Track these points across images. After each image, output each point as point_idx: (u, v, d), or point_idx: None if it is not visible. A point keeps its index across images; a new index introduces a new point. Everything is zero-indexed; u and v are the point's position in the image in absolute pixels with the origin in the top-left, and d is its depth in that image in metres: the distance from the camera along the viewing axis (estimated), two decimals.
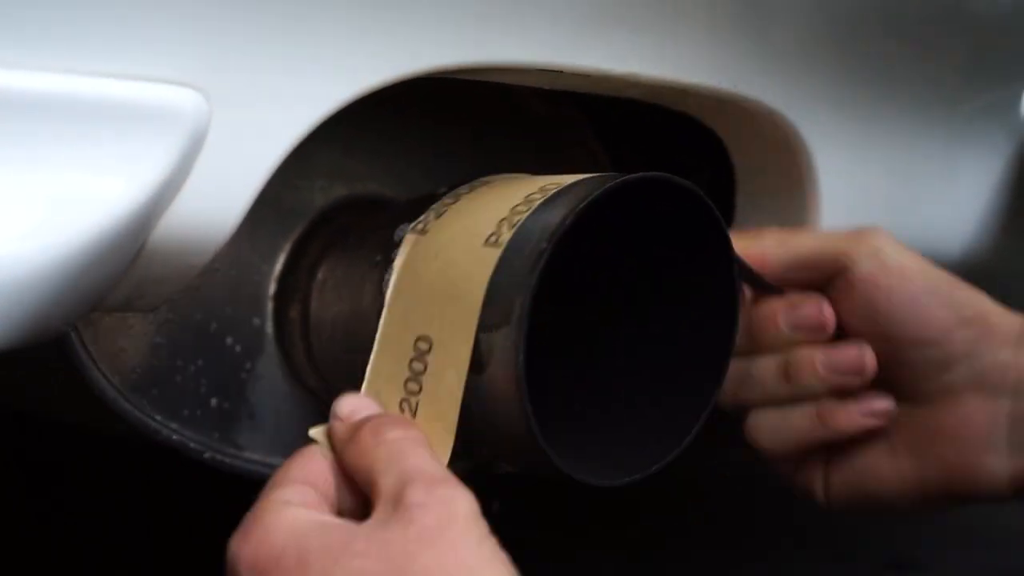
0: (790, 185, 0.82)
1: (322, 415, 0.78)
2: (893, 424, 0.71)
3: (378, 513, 0.55)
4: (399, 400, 0.63)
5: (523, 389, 0.59)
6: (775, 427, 0.73)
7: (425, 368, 0.62)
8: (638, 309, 0.70)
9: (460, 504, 0.55)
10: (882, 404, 0.71)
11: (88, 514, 1.28)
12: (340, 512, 0.59)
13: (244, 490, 0.61)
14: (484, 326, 0.60)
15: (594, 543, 1.27)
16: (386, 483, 0.56)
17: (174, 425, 0.72)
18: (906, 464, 0.72)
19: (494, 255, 0.61)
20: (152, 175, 0.54)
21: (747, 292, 0.71)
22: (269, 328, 0.77)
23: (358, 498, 0.59)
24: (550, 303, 0.64)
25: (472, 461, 0.78)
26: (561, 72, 0.67)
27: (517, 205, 0.62)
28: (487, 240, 0.62)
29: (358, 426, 0.60)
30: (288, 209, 0.77)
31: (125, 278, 0.59)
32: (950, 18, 0.82)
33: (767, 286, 0.71)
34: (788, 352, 0.71)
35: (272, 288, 0.77)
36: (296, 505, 0.57)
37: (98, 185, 0.53)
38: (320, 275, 0.75)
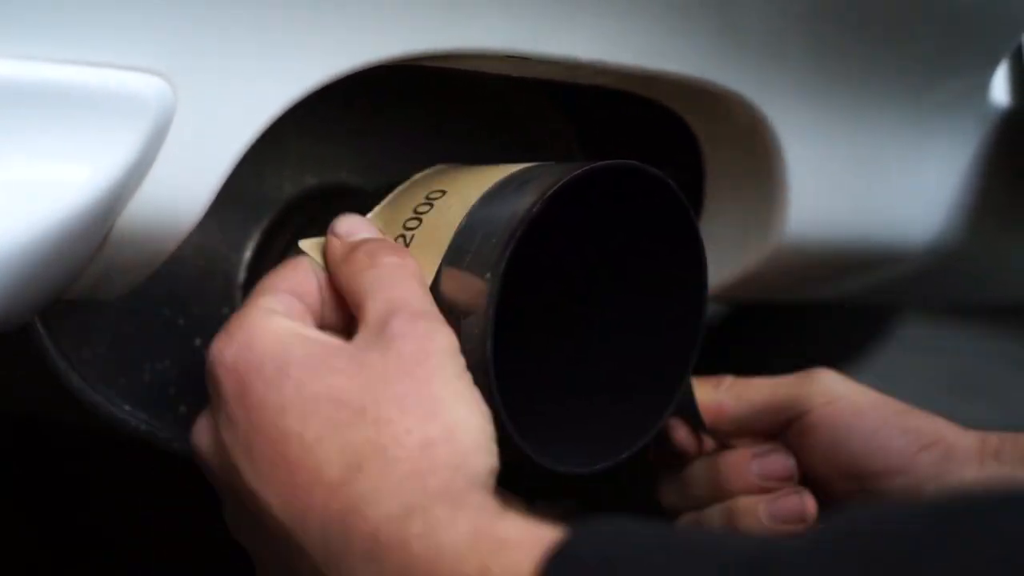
0: (758, 173, 0.82)
1: None
2: None
3: (361, 336, 0.56)
4: (395, 236, 0.63)
5: (491, 376, 0.59)
6: (679, 500, 0.74)
7: (431, 207, 0.63)
8: (608, 298, 0.70)
9: (439, 339, 0.56)
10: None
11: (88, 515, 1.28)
12: (323, 327, 0.60)
13: None
14: (451, 313, 0.60)
15: None
16: (373, 307, 0.57)
17: (142, 415, 0.72)
18: None
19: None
20: (116, 162, 0.54)
21: (708, 442, 0.73)
22: None
23: (343, 315, 0.60)
24: (519, 291, 0.64)
25: None
26: (528, 59, 0.67)
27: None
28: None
29: (354, 246, 0.61)
30: (257, 198, 0.77)
31: (90, 266, 0.59)
32: (919, 5, 0.83)
33: (704, 431, 0.73)
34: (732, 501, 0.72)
35: (242, 277, 0.76)
36: (281, 314, 0.57)
37: (61, 172, 0.53)
38: None
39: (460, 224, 0.61)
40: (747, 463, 0.72)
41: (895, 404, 0.72)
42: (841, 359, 1.61)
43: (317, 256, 0.62)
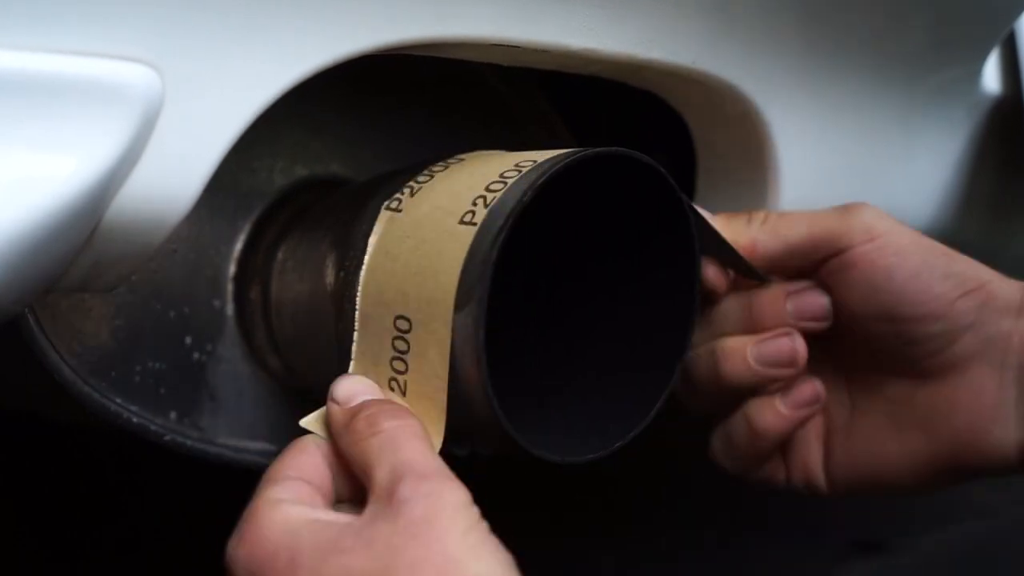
0: (750, 161, 0.82)
1: (283, 396, 0.78)
2: (897, 402, 0.71)
3: (370, 507, 0.56)
4: (388, 379, 0.62)
5: (483, 366, 0.59)
6: (725, 449, 0.73)
7: (408, 348, 0.62)
8: (602, 286, 0.70)
9: (448, 496, 0.55)
10: (806, 392, 0.70)
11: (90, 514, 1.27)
12: (339, 499, 0.59)
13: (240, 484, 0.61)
14: (455, 305, 0.60)
15: (565, 520, 1.27)
16: (380, 476, 0.56)
17: (134, 408, 0.72)
18: (914, 441, 0.70)
19: (469, 233, 0.60)
20: (104, 153, 0.53)
21: (730, 274, 0.70)
22: (229, 310, 0.76)
23: (356, 483, 0.59)
24: (512, 281, 0.64)
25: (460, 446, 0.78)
26: (519, 48, 0.66)
27: (492, 183, 0.62)
28: (462, 219, 0.61)
29: (354, 412, 0.60)
30: (248, 190, 0.77)
31: (80, 258, 0.58)
32: None
33: (753, 272, 0.70)
34: (719, 341, 0.70)
35: (232, 269, 0.76)
36: (289, 502, 0.57)
37: (51, 163, 0.53)
38: (280, 256, 0.75)
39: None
40: (781, 301, 0.69)
41: (938, 247, 0.69)
42: None
43: (320, 429, 0.61)
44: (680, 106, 0.80)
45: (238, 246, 0.76)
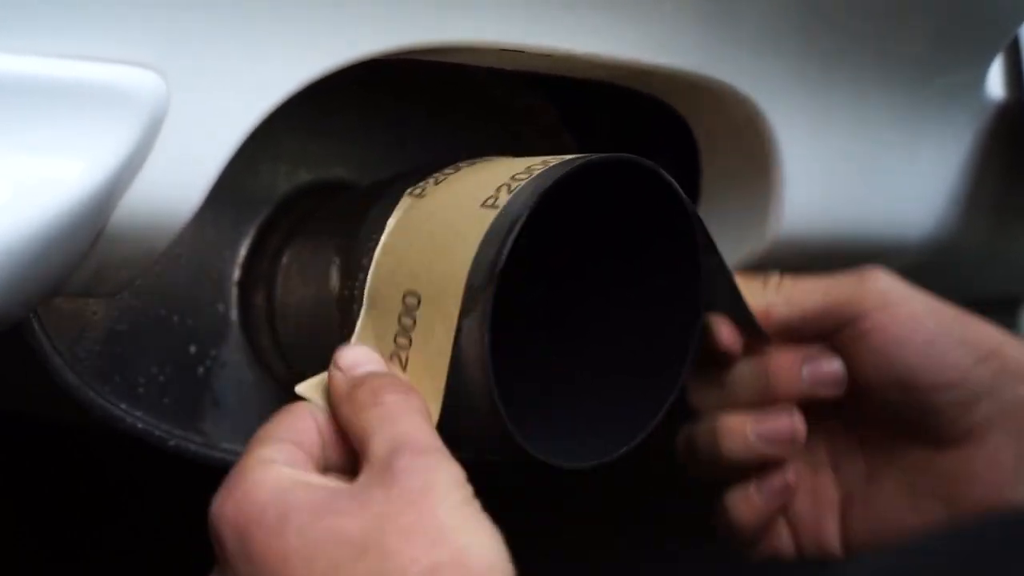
0: (754, 166, 0.82)
1: (287, 401, 0.77)
2: (915, 469, 0.70)
3: (365, 474, 0.56)
4: (390, 354, 0.62)
5: (489, 369, 0.59)
6: (726, 523, 0.72)
7: (414, 323, 0.62)
8: (606, 292, 0.70)
9: (444, 471, 0.55)
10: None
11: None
12: (327, 468, 0.59)
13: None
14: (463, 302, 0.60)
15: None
16: (377, 446, 0.56)
17: (138, 412, 0.72)
18: (933, 509, 0.70)
19: (489, 215, 0.60)
20: (110, 157, 0.53)
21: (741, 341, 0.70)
22: (234, 315, 0.76)
23: (346, 454, 0.59)
24: (516, 286, 0.64)
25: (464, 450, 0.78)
26: (522, 53, 0.66)
27: (518, 173, 0.62)
28: (484, 202, 0.61)
29: (358, 382, 0.60)
30: (252, 195, 0.77)
31: (85, 262, 0.58)
32: None
33: (761, 334, 0.70)
34: (719, 419, 0.71)
35: (236, 274, 0.76)
36: (280, 463, 0.57)
37: (55, 167, 0.53)
38: (285, 260, 0.75)
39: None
40: (796, 367, 0.69)
41: (953, 312, 0.68)
42: None
43: (317, 396, 0.61)
44: (684, 110, 0.80)
45: (243, 251, 0.76)
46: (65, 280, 0.59)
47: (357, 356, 0.62)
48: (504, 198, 0.61)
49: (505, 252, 0.59)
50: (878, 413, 0.70)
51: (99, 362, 0.70)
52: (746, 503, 0.70)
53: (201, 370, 0.75)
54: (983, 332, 0.68)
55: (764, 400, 0.69)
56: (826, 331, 0.69)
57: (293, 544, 0.53)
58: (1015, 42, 0.94)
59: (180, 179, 0.57)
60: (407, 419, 0.57)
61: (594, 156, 0.62)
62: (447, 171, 0.66)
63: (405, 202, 0.65)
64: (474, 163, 0.67)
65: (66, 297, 0.65)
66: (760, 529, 0.72)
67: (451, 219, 0.62)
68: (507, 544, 0.54)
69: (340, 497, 0.54)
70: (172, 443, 0.72)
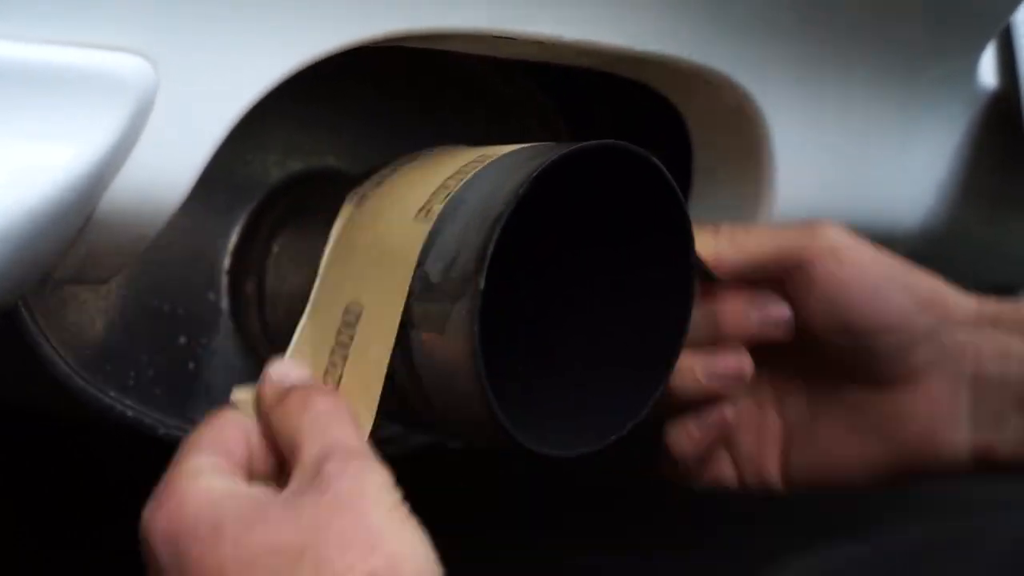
0: (746, 155, 0.82)
1: None
2: (855, 408, 0.74)
3: (295, 480, 0.56)
4: (323, 371, 0.63)
5: (479, 359, 0.59)
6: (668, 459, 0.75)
7: (351, 340, 0.62)
8: (596, 282, 0.70)
9: (374, 475, 0.56)
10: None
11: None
12: (253, 476, 0.59)
13: None
14: (438, 295, 0.60)
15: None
16: (308, 452, 0.57)
17: (128, 402, 0.71)
18: (872, 445, 0.73)
19: (423, 231, 0.61)
20: (98, 143, 0.53)
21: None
22: (224, 303, 0.76)
23: (274, 463, 0.60)
24: (506, 275, 0.64)
25: (424, 435, 0.78)
26: (512, 40, 0.66)
27: (448, 178, 0.63)
28: (417, 214, 0.62)
29: (288, 391, 0.60)
30: (243, 183, 0.77)
31: (73, 248, 0.58)
32: None
33: (709, 277, 0.72)
34: None
35: (227, 263, 0.76)
36: (209, 473, 0.57)
37: (43, 153, 0.53)
38: (275, 249, 0.75)
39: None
40: (745, 310, 0.71)
41: (897, 262, 0.71)
42: None
43: (249, 404, 0.62)
44: (676, 99, 0.80)
45: (233, 239, 0.76)
46: (54, 266, 0.59)
47: (287, 368, 0.63)
48: (438, 208, 0.61)
49: (492, 245, 0.59)
50: (823, 355, 0.72)
51: (89, 351, 0.70)
52: (685, 434, 0.73)
53: (192, 359, 0.75)
54: (926, 281, 0.71)
55: (714, 341, 0.71)
56: (775, 277, 0.71)
57: (228, 555, 0.53)
58: (1007, 30, 0.94)
59: (169, 165, 0.57)
60: (337, 425, 0.58)
61: (558, 150, 0.61)
62: (385, 171, 0.67)
63: (346, 211, 0.66)
64: (414, 159, 0.67)
65: (56, 285, 0.65)
66: (699, 460, 0.75)
67: (386, 233, 0.63)
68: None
69: (272, 507, 0.55)
70: (162, 432, 0.72)
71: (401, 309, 0.60)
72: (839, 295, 0.70)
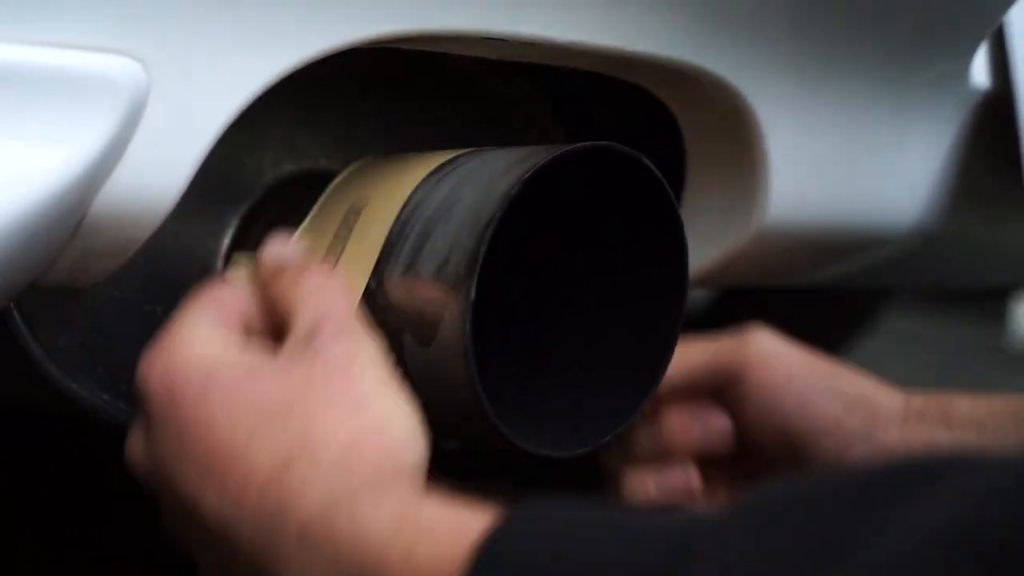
0: (739, 156, 0.82)
1: None
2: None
3: (288, 347, 0.57)
4: (323, 255, 0.66)
5: (471, 360, 0.59)
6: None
7: (349, 233, 0.65)
8: (589, 283, 0.70)
9: (365, 346, 0.57)
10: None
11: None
12: (251, 334, 0.60)
13: None
14: (437, 280, 0.60)
15: None
16: (301, 320, 0.58)
17: (121, 404, 0.71)
18: None
19: (438, 159, 0.65)
20: (90, 145, 0.53)
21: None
22: None
23: (269, 327, 0.61)
24: (500, 275, 0.64)
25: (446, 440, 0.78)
26: (506, 41, 0.66)
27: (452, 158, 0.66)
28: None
29: (285, 264, 0.62)
30: (236, 185, 0.77)
31: (65, 252, 0.58)
32: None
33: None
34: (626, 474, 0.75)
35: (220, 264, 0.76)
36: (207, 326, 0.58)
37: (35, 156, 0.53)
38: None
39: (392, 225, 0.63)
40: (689, 424, 0.74)
41: (826, 366, 0.74)
42: (826, 346, 1.61)
43: (243, 280, 0.63)
44: (669, 101, 0.80)
45: (226, 241, 0.76)
46: (45, 270, 0.59)
47: (286, 248, 0.64)
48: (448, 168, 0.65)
49: (483, 248, 0.59)
50: (766, 459, 0.74)
51: (82, 353, 0.70)
52: (642, 489, 0.74)
53: None
54: (852, 383, 0.74)
55: (662, 456, 0.74)
56: (714, 389, 0.74)
57: (218, 408, 0.54)
58: (999, 30, 0.94)
59: (161, 167, 0.57)
60: (331, 298, 0.59)
61: (552, 151, 0.62)
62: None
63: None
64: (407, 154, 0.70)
65: (48, 287, 0.65)
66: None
67: (399, 159, 0.67)
68: None
69: (263, 368, 0.56)
70: None
71: (407, 194, 0.62)
72: (771, 402, 0.72)
